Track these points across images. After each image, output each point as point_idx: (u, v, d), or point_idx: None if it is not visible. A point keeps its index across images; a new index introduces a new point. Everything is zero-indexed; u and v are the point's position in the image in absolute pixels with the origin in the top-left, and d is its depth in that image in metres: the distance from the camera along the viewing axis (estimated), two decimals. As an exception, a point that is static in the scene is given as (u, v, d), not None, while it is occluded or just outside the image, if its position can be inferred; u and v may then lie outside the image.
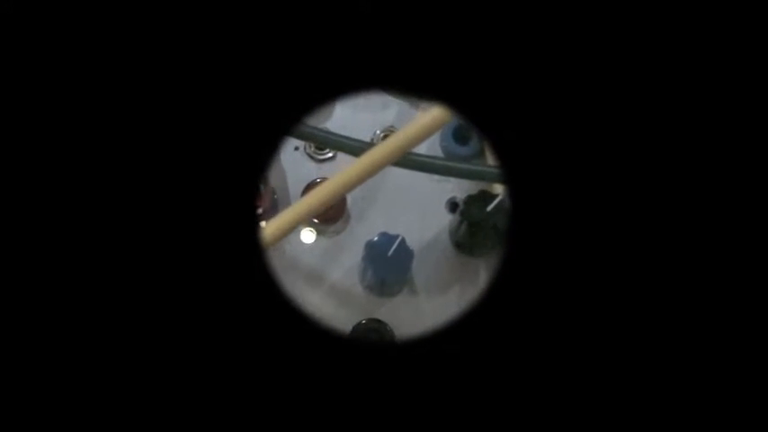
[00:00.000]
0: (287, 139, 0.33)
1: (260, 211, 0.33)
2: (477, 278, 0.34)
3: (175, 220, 0.16)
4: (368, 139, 0.34)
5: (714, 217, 0.16)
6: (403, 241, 0.31)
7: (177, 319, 0.16)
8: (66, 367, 0.16)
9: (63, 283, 0.16)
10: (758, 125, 0.16)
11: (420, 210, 0.34)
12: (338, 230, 0.34)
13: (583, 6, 0.15)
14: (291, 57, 0.16)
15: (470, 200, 0.31)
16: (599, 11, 0.16)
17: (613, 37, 0.16)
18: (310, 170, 0.35)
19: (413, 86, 0.16)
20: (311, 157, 0.35)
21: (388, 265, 0.31)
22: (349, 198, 0.33)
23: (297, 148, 0.35)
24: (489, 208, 0.30)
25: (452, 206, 0.34)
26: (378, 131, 0.35)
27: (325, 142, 0.29)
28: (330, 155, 0.35)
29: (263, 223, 0.33)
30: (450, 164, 0.29)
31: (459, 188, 0.34)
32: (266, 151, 0.16)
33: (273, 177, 0.34)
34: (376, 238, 0.31)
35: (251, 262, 0.16)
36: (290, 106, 0.16)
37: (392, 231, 0.32)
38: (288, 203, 0.34)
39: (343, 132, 0.29)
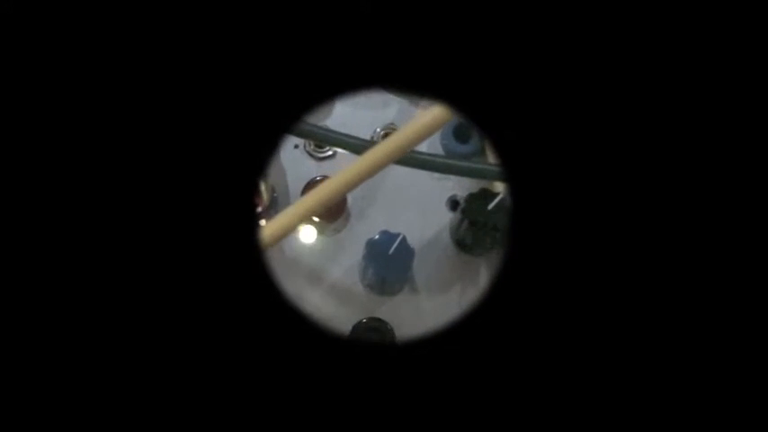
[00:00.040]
0: (286, 137, 0.34)
1: (259, 209, 0.33)
2: (478, 277, 0.34)
3: (173, 220, 0.16)
4: (368, 137, 0.34)
5: (714, 214, 0.16)
6: (404, 240, 0.31)
7: (175, 321, 0.16)
8: (66, 368, 0.16)
9: (60, 281, 0.16)
10: (758, 125, 0.16)
11: (420, 208, 0.34)
12: (338, 229, 0.34)
13: (582, 5, 0.15)
14: (291, 55, 0.16)
15: (472, 198, 0.31)
16: (598, 10, 0.15)
17: (613, 35, 0.16)
18: (310, 168, 0.35)
19: (413, 85, 0.16)
20: (311, 155, 0.35)
21: (389, 263, 0.31)
22: (349, 196, 0.33)
23: (296, 146, 0.35)
24: (491, 206, 0.30)
25: (453, 204, 0.34)
26: (378, 129, 0.35)
27: (326, 140, 0.29)
28: (330, 153, 0.35)
29: (262, 222, 0.33)
30: (450, 162, 0.29)
31: (459, 186, 0.34)
32: (265, 149, 0.16)
33: (273, 175, 0.34)
34: (377, 237, 0.31)
35: (249, 262, 0.16)
36: (289, 104, 0.16)
37: (392, 230, 0.32)
38: (287, 202, 0.34)
39: (343, 130, 0.29)
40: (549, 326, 0.16)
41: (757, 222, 0.16)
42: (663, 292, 0.16)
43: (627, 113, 0.16)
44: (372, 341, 0.32)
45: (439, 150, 0.34)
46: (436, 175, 0.33)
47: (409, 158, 0.27)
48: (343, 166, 0.34)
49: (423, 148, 0.29)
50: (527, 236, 0.16)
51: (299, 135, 0.30)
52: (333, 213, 0.33)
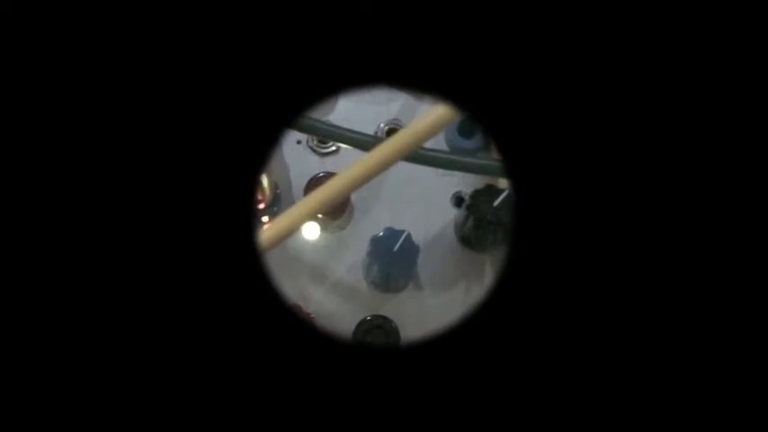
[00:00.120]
0: (289, 132, 0.33)
1: (261, 206, 0.33)
2: (483, 274, 0.34)
3: (168, 220, 0.15)
4: (371, 133, 0.34)
5: (715, 206, 0.16)
6: (409, 236, 0.31)
7: (173, 326, 0.16)
8: (63, 369, 0.16)
9: (57, 281, 0.15)
10: (759, 124, 0.16)
11: (425, 204, 0.34)
12: (342, 226, 0.34)
13: (584, 4, 0.15)
14: (292, 50, 0.15)
15: (477, 194, 0.31)
16: (600, 8, 0.15)
17: (615, 33, 0.15)
18: (313, 164, 0.34)
19: (415, 82, 0.16)
20: (314, 151, 0.35)
21: (394, 260, 0.31)
22: (353, 193, 0.33)
23: (299, 142, 0.35)
24: (496, 203, 0.30)
25: (458, 201, 0.34)
26: (382, 125, 0.35)
27: (329, 135, 0.29)
28: (333, 148, 0.35)
29: (265, 218, 0.33)
30: (455, 158, 0.29)
31: (464, 182, 0.34)
32: (266, 145, 0.16)
33: (276, 171, 0.33)
34: (381, 234, 0.31)
35: (248, 265, 0.16)
36: (289, 100, 0.16)
37: (396, 226, 0.31)
38: (290, 198, 0.34)
39: (346, 125, 0.29)
40: (555, 323, 0.16)
41: (758, 222, 0.16)
42: (665, 289, 0.16)
43: (628, 111, 0.16)
44: (375, 344, 0.32)
45: (443, 146, 0.34)
46: (440, 171, 0.33)
47: (413, 154, 0.27)
48: (347, 161, 0.34)
49: (427, 143, 0.29)
50: (531, 233, 0.16)
51: (303, 130, 0.30)
52: (336, 210, 0.33)
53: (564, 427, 0.16)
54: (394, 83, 0.16)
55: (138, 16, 0.15)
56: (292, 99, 0.16)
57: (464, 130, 0.34)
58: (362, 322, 0.32)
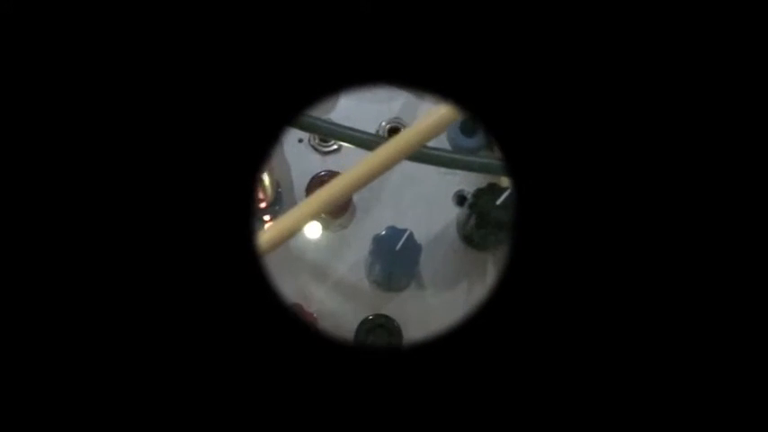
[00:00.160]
0: (289, 131, 0.33)
1: (263, 205, 0.32)
2: (485, 273, 0.34)
3: (166, 221, 0.15)
4: (373, 131, 0.34)
5: (715, 205, 0.16)
6: (411, 235, 0.31)
7: (172, 329, 0.16)
8: (62, 369, 0.16)
9: (55, 282, 0.15)
10: (758, 124, 0.16)
11: (427, 203, 0.34)
12: (344, 224, 0.34)
13: (586, 4, 0.15)
14: (291, 48, 0.15)
15: (479, 193, 0.31)
16: (601, 8, 0.15)
17: (615, 34, 0.15)
18: (315, 163, 0.34)
19: (416, 81, 0.16)
20: (316, 150, 0.35)
21: (397, 259, 0.31)
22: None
23: (301, 140, 0.35)
24: (499, 201, 0.30)
25: (460, 199, 0.34)
26: (383, 123, 0.35)
27: (331, 134, 0.28)
28: (335, 147, 0.34)
29: (266, 217, 0.33)
30: (457, 156, 0.29)
31: (466, 181, 0.34)
32: (266, 145, 0.16)
33: (277, 170, 0.33)
34: (384, 233, 0.31)
35: (247, 266, 0.15)
36: (288, 99, 0.15)
37: (398, 225, 0.31)
38: (292, 197, 0.34)
39: (347, 123, 0.29)
40: (557, 322, 0.16)
41: (757, 221, 0.16)
42: (667, 287, 0.16)
43: (629, 110, 0.15)
44: (377, 344, 0.32)
45: (445, 144, 0.34)
46: (443, 169, 0.33)
47: (416, 153, 0.27)
48: (349, 160, 0.34)
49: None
50: (532, 231, 0.16)
51: (305, 129, 0.30)
52: (338, 209, 0.33)
53: (567, 427, 0.16)
54: (395, 81, 0.16)
55: (138, 14, 0.15)
56: (292, 97, 0.16)
57: (466, 129, 0.34)
58: (365, 321, 0.32)
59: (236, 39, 0.15)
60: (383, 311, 0.33)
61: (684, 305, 0.16)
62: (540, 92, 0.15)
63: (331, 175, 0.33)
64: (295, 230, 0.23)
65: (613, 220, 0.16)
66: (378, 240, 0.31)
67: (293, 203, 0.34)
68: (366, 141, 0.27)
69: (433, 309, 0.33)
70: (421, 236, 0.32)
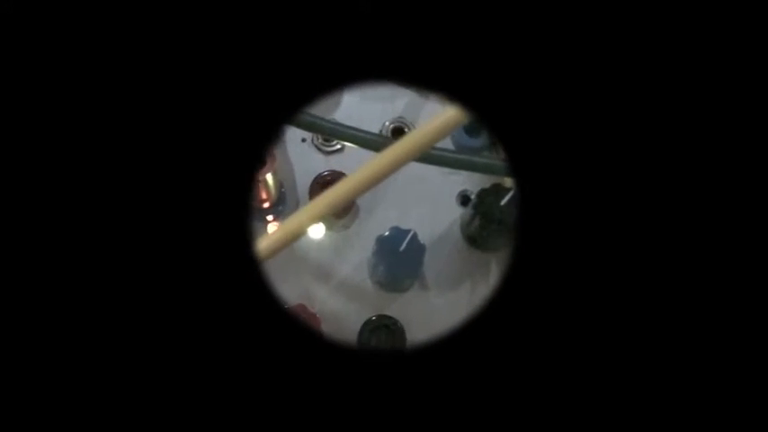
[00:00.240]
0: (293, 130, 0.33)
1: (266, 205, 0.32)
2: (489, 273, 0.34)
3: (162, 223, 0.15)
4: (377, 130, 0.34)
5: (718, 205, 0.16)
6: (415, 236, 0.31)
7: (170, 331, 0.15)
8: (61, 371, 0.15)
9: (51, 284, 0.15)
10: (760, 124, 0.15)
11: (430, 203, 0.34)
12: (347, 225, 0.33)
13: (588, 6, 0.15)
14: (289, 46, 0.15)
15: (484, 193, 0.31)
16: (605, 11, 0.15)
17: (619, 36, 0.15)
18: (318, 162, 0.34)
19: (416, 80, 0.16)
20: (319, 149, 0.34)
21: (400, 260, 0.31)
22: (357, 191, 0.33)
23: (304, 140, 0.34)
24: (503, 202, 0.30)
25: (464, 199, 0.34)
26: (387, 122, 0.35)
27: (334, 134, 0.28)
28: (338, 147, 0.34)
29: (270, 218, 0.33)
30: (461, 157, 0.29)
31: (470, 181, 0.34)
32: (264, 144, 0.15)
33: (281, 170, 0.33)
34: (387, 233, 0.31)
35: (245, 269, 0.15)
36: (285, 98, 0.15)
37: (402, 225, 0.31)
38: (295, 197, 0.34)
39: (351, 123, 0.29)
40: (560, 322, 0.16)
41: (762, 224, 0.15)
42: (669, 287, 0.16)
43: (633, 112, 0.15)
44: (380, 345, 0.31)
45: (449, 144, 0.34)
46: (446, 169, 0.32)
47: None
48: (352, 159, 0.34)
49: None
50: (536, 232, 0.16)
51: (308, 129, 0.30)
52: (341, 209, 0.32)
53: (572, 429, 0.16)
54: (391, 79, 0.16)
55: (136, 11, 0.15)
56: (289, 96, 0.15)
57: (470, 129, 0.33)
58: (368, 322, 0.32)
59: (233, 36, 0.15)
60: (386, 312, 0.32)
61: (687, 306, 0.16)
62: (544, 92, 0.15)
63: (334, 174, 0.33)
64: (301, 233, 0.23)
65: (616, 220, 0.15)
66: (381, 241, 0.31)
67: (296, 203, 0.34)
68: (370, 141, 0.27)
69: (437, 309, 0.33)
70: (424, 236, 0.31)
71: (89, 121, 0.15)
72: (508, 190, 0.30)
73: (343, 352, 0.16)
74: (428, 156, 0.27)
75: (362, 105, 0.35)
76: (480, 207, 0.31)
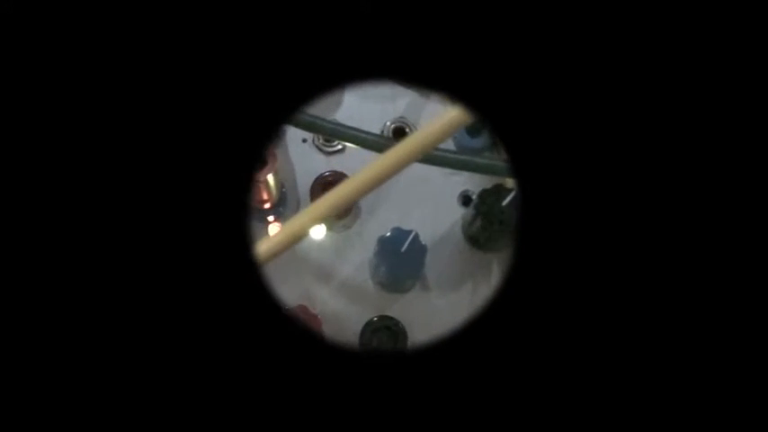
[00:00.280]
0: (294, 131, 0.33)
1: (268, 205, 0.32)
2: (490, 274, 0.34)
3: (156, 226, 0.15)
4: (378, 130, 0.34)
5: (721, 207, 0.16)
6: (416, 237, 0.31)
7: (167, 337, 0.15)
8: (59, 372, 0.15)
9: (47, 285, 0.15)
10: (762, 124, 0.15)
11: (431, 203, 0.34)
12: (348, 225, 0.33)
13: (591, 8, 0.15)
14: (286, 45, 0.15)
15: (485, 194, 0.31)
16: (608, 12, 0.15)
17: (622, 38, 0.15)
18: (319, 163, 0.34)
19: (419, 79, 0.16)
20: (320, 150, 0.34)
21: (402, 261, 0.31)
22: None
23: (305, 140, 0.34)
24: (505, 202, 0.30)
25: (465, 200, 0.34)
26: (388, 123, 0.35)
27: (335, 134, 0.28)
28: (339, 147, 0.34)
29: (271, 219, 0.33)
30: (462, 157, 0.28)
31: (471, 181, 0.34)
32: (262, 143, 0.15)
33: (281, 170, 0.33)
34: (389, 234, 0.31)
35: (243, 272, 0.15)
36: (281, 98, 0.15)
37: (403, 226, 0.31)
38: (296, 197, 0.34)
39: (352, 123, 0.28)
40: (562, 324, 0.16)
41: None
42: (671, 287, 0.16)
43: (635, 114, 0.15)
44: (382, 346, 0.31)
45: (450, 144, 0.33)
46: (448, 169, 0.32)
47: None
48: (353, 160, 0.33)
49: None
50: (537, 233, 0.16)
51: (309, 129, 0.30)
52: (343, 210, 0.32)
53: (574, 430, 0.16)
54: (393, 78, 0.16)
55: (134, 8, 0.15)
56: (287, 95, 0.15)
57: (471, 129, 0.33)
58: (369, 323, 0.32)
59: (231, 35, 0.15)
60: (388, 313, 0.32)
61: (688, 308, 0.16)
62: (546, 93, 0.15)
63: (335, 175, 0.33)
64: (303, 234, 0.23)
65: (618, 221, 0.15)
66: (383, 242, 0.31)
67: (297, 204, 0.34)
68: (371, 142, 0.27)
69: (438, 310, 0.33)
70: (426, 236, 0.31)
71: (86, 120, 0.15)
72: (510, 190, 0.30)
73: (343, 353, 0.16)
74: (430, 156, 0.27)
75: (364, 105, 0.35)
76: (482, 207, 0.31)
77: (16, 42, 0.15)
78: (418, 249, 0.31)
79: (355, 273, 0.33)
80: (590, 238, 0.15)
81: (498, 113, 0.15)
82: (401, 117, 0.35)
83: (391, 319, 0.32)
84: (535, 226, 0.15)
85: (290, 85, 0.15)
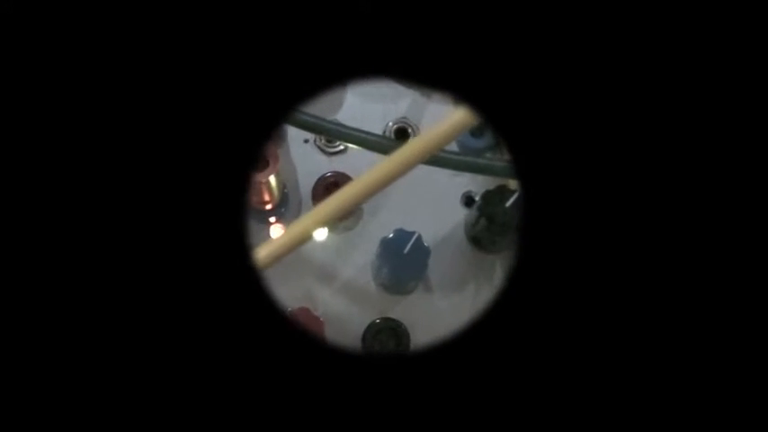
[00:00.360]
0: (290, 130, 0.33)
1: (269, 206, 0.32)
2: (493, 275, 0.33)
3: (152, 227, 0.15)
4: (380, 131, 0.34)
5: (725, 208, 0.16)
6: (419, 238, 0.31)
7: (166, 341, 0.15)
8: (55, 373, 0.15)
9: (46, 287, 0.15)
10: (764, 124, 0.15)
11: (434, 205, 0.34)
12: (350, 226, 0.33)
13: (594, 9, 0.15)
14: (283, 44, 0.15)
15: (488, 195, 0.31)
16: (611, 14, 0.15)
17: (625, 39, 0.15)
18: (321, 163, 0.34)
19: (422, 79, 0.16)
20: (322, 150, 0.34)
21: (404, 262, 0.31)
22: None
23: (306, 141, 0.34)
24: (508, 204, 0.30)
25: (468, 200, 0.34)
26: (390, 123, 0.34)
27: (337, 135, 0.28)
28: (341, 148, 0.34)
29: (272, 220, 0.33)
30: (465, 159, 0.28)
31: (473, 182, 0.34)
32: (259, 143, 0.15)
33: (283, 171, 0.33)
34: (391, 235, 0.31)
35: (242, 274, 0.15)
36: (277, 98, 0.15)
37: (405, 227, 0.31)
38: (298, 198, 0.34)
39: (353, 123, 0.28)
40: (565, 326, 0.16)
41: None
42: (674, 288, 0.16)
43: (638, 115, 0.15)
44: (384, 348, 0.31)
45: (452, 145, 0.33)
46: (450, 170, 0.32)
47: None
48: (355, 160, 0.33)
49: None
50: (540, 234, 0.16)
51: (311, 130, 0.30)
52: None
53: (575, 430, 0.16)
54: (393, 77, 0.16)
55: (132, 6, 0.15)
56: (285, 94, 0.15)
57: (474, 129, 0.33)
58: (372, 325, 0.32)
59: (228, 33, 0.15)
60: (390, 315, 0.32)
61: (693, 309, 0.16)
62: (549, 94, 0.15)
63: (337, 175, 0.33)
64: (307, 237, 0.23)
65: (620, 222, 0.15)
66: (385, 243, 0.31)
67: (299, 205, 0.34)
68: (374, 144, 0.27)
69: (441, 311, 0.33)
70: (428, 237, 0.31)
71: (82, 119, 0.15)
72: (513, 192, 0.30)
73: (345, 356, 0.16)
74: (432, 157, 0.27)
75: (365, 106, 0.34)
76: (485, 209, 0.31)
77: (16, 42, 0.15)
78: (421, 251, 0.31)
79: (358, 274, 0.33)
80: (593, 239, 0.15)
81: (501, 113, 0.15)
82: (403, 117, 0.35)
83: (394, 320, 0.32)
84: (538, 227, 0.15)
85: (288, 84, 0.15)
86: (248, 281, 0.15)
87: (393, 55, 0.15)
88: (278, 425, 0.16)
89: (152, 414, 0.15)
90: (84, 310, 0.15)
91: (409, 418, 0.16)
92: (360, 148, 0.28)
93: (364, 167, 0.23)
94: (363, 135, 0.27)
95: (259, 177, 0.29)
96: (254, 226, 0.32)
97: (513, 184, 0.31)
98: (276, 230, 0.32)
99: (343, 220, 0.33)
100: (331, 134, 0.28)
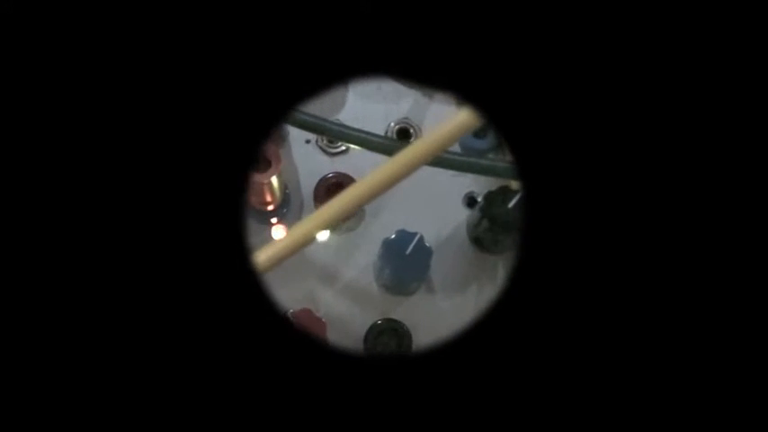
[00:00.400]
0: (292, 130, 0.33)
1: (271, 207, 0.32)
2: (496, 276, 0.33)
3: (149, 228, 0.15)
4: (381, 131, 0.34)
5: (728, 208, 0.16)
6: (421, 239, 0.31)
7: (165, 343, 0.15)
8: (55, 376, 0.15)
9: (45, 288, 0.15)
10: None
11: (436, 205, 0.34)
12: (352, 227, 0.33)
13: (597, 10, 0.15)
14: (282, 44, 0.15)
15: (491, 196, 0.31)
16: (614, 14, 0.15)
17: (627, 39, 0.15)
18: (323, 164, 0.34)
19: (424, 77, 0.16)
20: (324, 151, 0.34)
21: (407, 263, 0.31)
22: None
23: (308, 142, 0.34)
24: (510, 204, 0.30)
25: (470, 201, 0.34)
26: (392, 123, 0.34)
27: (341, 137, 0.28)
28: (343, 148, 0.34)
29: (274, 221, 0.33)
30: (468, 159, 0.28)
31: (476, 183, 0.34)
32: (257, 143, 0.15)
33: (285, 172, 0.33)
34: (393, 236, 0.31)
35: (240, 276, 0.15)
36: (281, 96, 0.15)
37: (408, 228, 0.31)
38: (299, 198, 0.34)
39: (355, 124, 0.28)
40: (567, 326, 0.16)
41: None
42: (677, 288, 0.16)
43: (641, 116, 0.15)
44: (386, 349, 0.31)
45: (455, 146, 0.33)
46: (452, 171, 0.32)
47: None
48: (357, 161, 0.33)
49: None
50: (542, 234, 0.16)
51: (313, 130, 0.30)
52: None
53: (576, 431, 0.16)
54: (393, 77, 0.16)
55: (130, 4, 0.15)
56: (284, 94, 0.15)
57: (477, 130, 0.33)
58: (374, 326, 0.32)
59: (223, 31, 0.15)
60: (393, 315, 0.32)
61: (694, 313, 0.16)
62: (552, 94, 0.15)
63: (339, 176, 0.33)
64: (310, 240, 0.23)
65: (623, 223, 0.15)
66: (388, 244, 0.31)
67: (301, 205, 0.34)
68: (377, 144, 0.27)
69: (443, 312, 0.33)
70: (430, 238, 0.31)
71: (81, 119, 0.15)
72: (515, 192, 0.30)
73: (347, 357, 0.16)
74: (434, 158, 0.27)
75: (367, 106, 0.34)
76: (487, 209, 0.31)
77: (16, 42, 0.15)
78: (423, 252, 0.31)
79: (360, 275, 0.33)
80: (595, 240, 0.15)
81: (504, 114, 0.15)
82: (405, 118, 0.35)
83: (396, 321, 0.32)
84: (540, 228, 0.15)
85: (288, 82, 0.15)
86: (248, 283, 0.15)
87: (395, 54, 0.15)
88: (281, 427, 0.16)
89: (154, 417, 0.15)
90: (83, 313, 0.15)
91: (412, 420, 0.16)
92: (362, 149, 0.28)
93: (366, 168, 0.23)
94: (365, 135, 0.27)
95: (261, 178, 0.29)
96: (255, 227, 0.32)
97: (515, 184, 0.31)
98: (278, 231, 0.32)
99: (345, 222, 0.33)
100: (333, 135, 0.28)
